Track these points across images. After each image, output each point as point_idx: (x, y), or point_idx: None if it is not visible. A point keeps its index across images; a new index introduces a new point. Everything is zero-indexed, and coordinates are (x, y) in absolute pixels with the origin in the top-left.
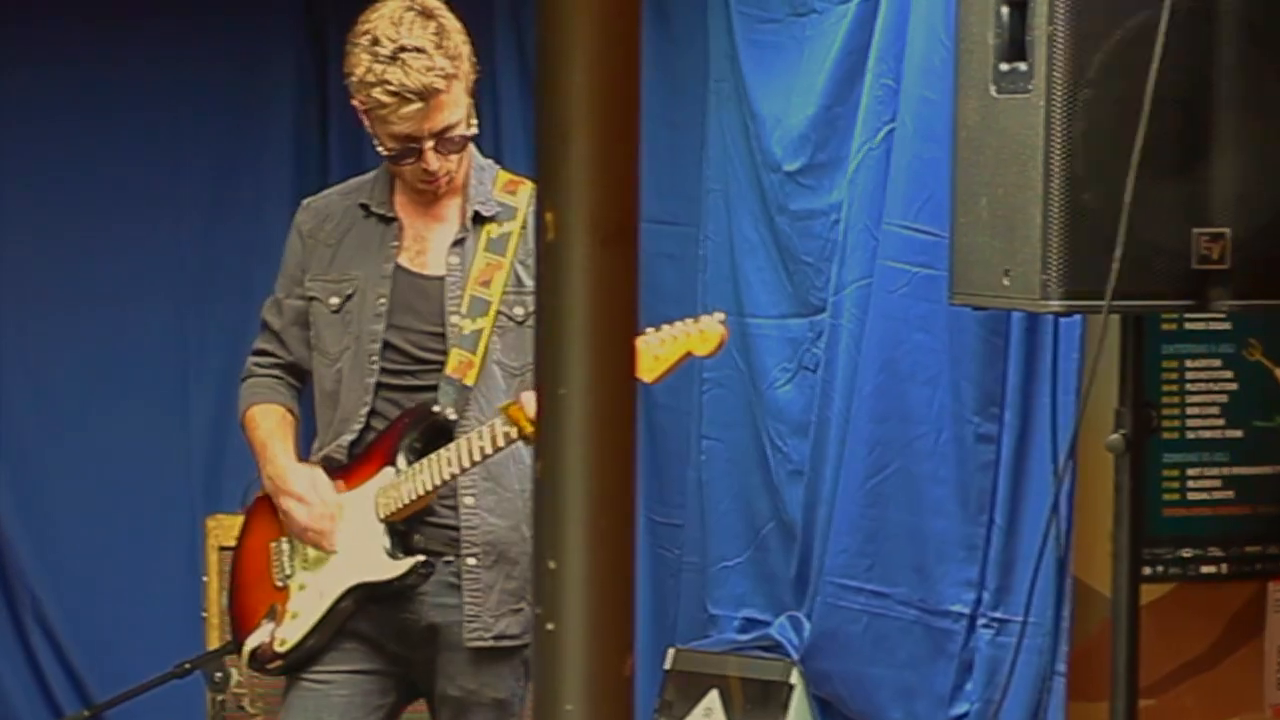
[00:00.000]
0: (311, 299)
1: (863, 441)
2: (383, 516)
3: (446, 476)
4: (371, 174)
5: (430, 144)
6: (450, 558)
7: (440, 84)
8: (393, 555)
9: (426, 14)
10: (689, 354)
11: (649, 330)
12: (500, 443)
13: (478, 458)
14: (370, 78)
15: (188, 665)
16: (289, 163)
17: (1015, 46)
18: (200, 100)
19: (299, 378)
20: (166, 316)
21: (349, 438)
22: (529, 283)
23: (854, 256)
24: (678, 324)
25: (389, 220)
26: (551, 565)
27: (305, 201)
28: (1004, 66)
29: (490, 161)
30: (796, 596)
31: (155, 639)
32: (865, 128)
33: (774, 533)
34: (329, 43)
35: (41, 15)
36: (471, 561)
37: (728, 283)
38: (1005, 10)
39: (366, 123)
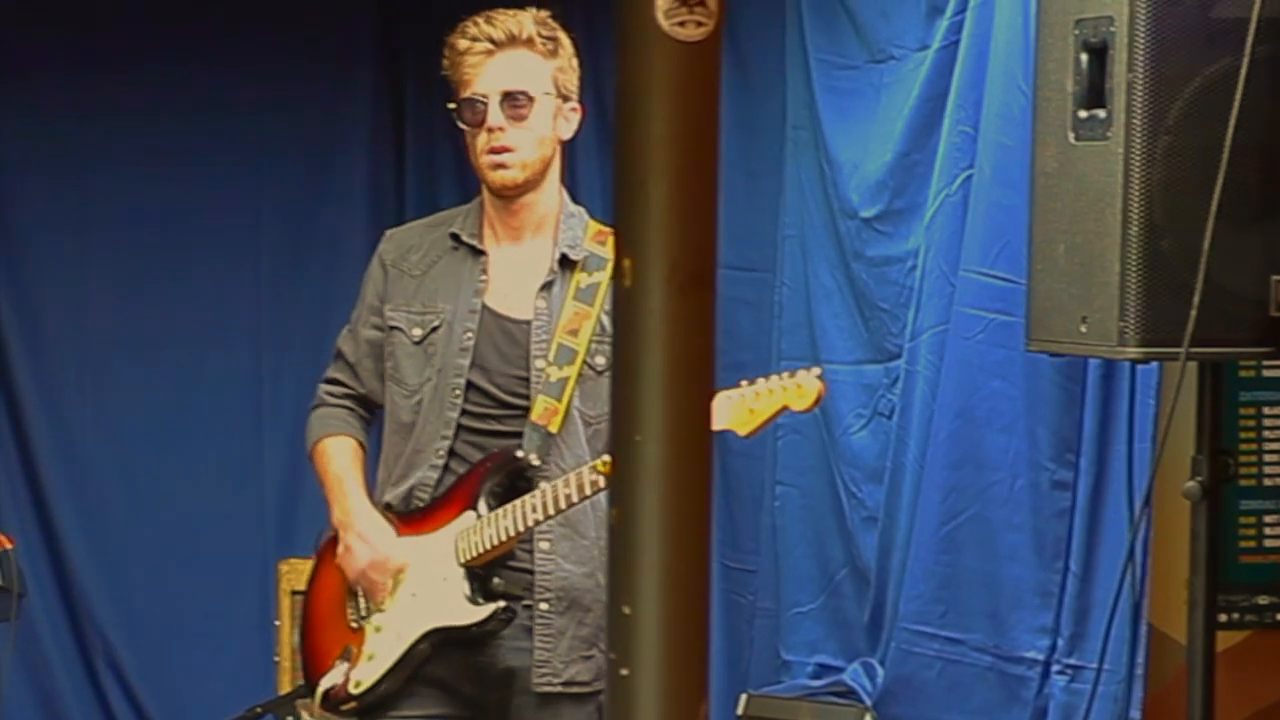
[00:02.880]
0: (393, 329)
1: (937, 488)
2: (463, 561)
3: (530, 523)
4: (461, 207)
5: (497, 98)
6: (527, 602)
7: (517, 32)
8: (473, 600)
9: (542, 13)
10: (785, 408)
11: (743, 383)
12: (587, 490)
13: (563, 505)
14: (456, 35)
15: (259, 709)
16: (365, 209)
17: (1094, 93)
18: (277, 147)
19: (369, 410)
20: (242, 362)
21: (429, 475)
22: None
23: (930, 303)
24: (773, 378)
25: (478, 253)
26: (626, 611)
27: (389, 232)
28: (1083, 113)
29: (581, 209)
30: (870, 642)
31: (227, 683)
32: (943, 174)
33: (848, 578)
34: (405, 89)
35: (125, 67)
36: (544, 607)
37: (804, 329)
38: (1084, 57)
39: (454, 108)
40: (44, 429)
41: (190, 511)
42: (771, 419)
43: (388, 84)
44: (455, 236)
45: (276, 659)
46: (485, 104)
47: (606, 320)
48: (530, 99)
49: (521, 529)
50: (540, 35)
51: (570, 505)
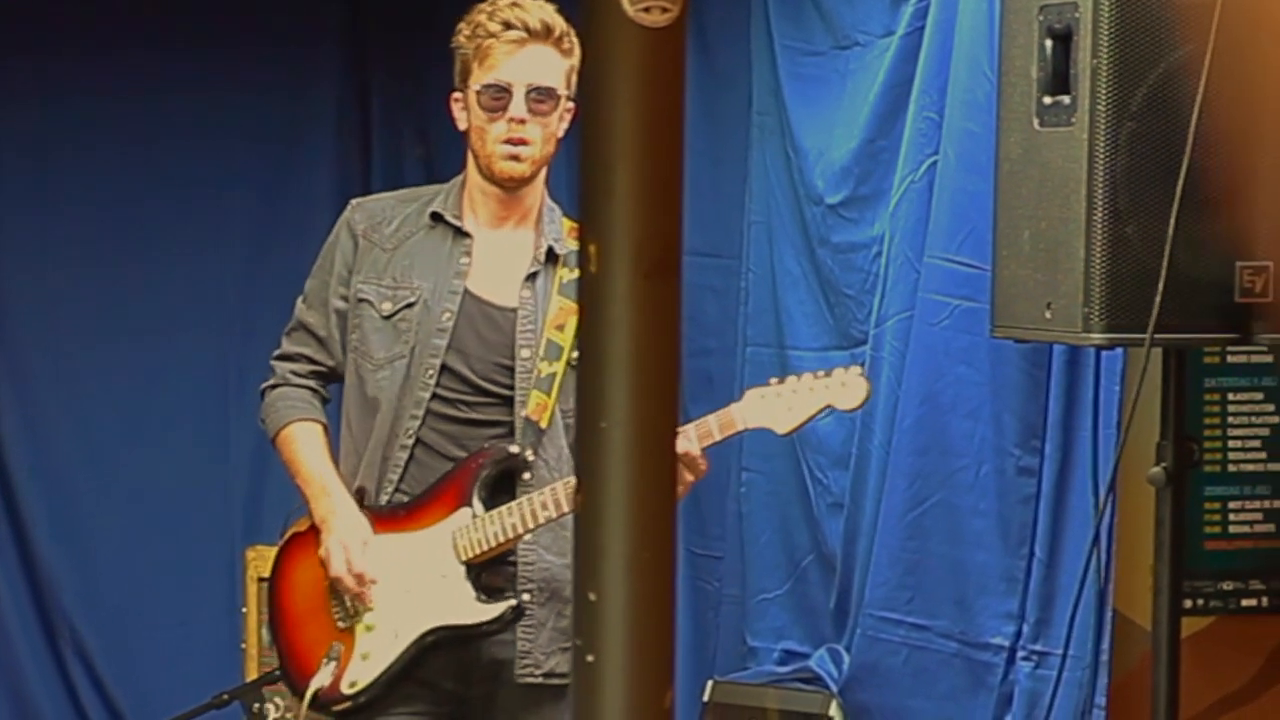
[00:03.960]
0: (361, 300)
1: (903, 474)
2: (465, 558)
3: (541, 520)
4: (436, 186)
5: (523, 90)
6: (509, 594)
7: (552, 25)
8: (479, 599)
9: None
10: (829, 408)
11: (773, 381)
12: None
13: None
14: (482, 16)
15: (226, 696)
16: (331, 191)
17: (1058, 80)
18: (243, 129)
19: (329, 385)
20: (208, 347)
21: (399, 455)
22: None
23: (896, 289)
24: (806, 376)
25: (461, 235)
26: (592, 598)
27: (356, 201)
28: (1047, 100)
29: (556, 205)
30: (836, 629)
31: (194, 670)
32: (908, 161)
33: (814, 565)
34: (370, 73)
35: (90, 49)
36: (525, 598)
37: (769, 315)
38: (1049, 44)
39: (463, 109)
40: (9, 413)
41: (157, 498)
42: (813, 418)
43: (353, 66)
44: (437, 215)
45: (243, 646)
46: (510, 93)
47: None
48: (554, 96)
49: (531, 526)
50: (565, 31)
51: None
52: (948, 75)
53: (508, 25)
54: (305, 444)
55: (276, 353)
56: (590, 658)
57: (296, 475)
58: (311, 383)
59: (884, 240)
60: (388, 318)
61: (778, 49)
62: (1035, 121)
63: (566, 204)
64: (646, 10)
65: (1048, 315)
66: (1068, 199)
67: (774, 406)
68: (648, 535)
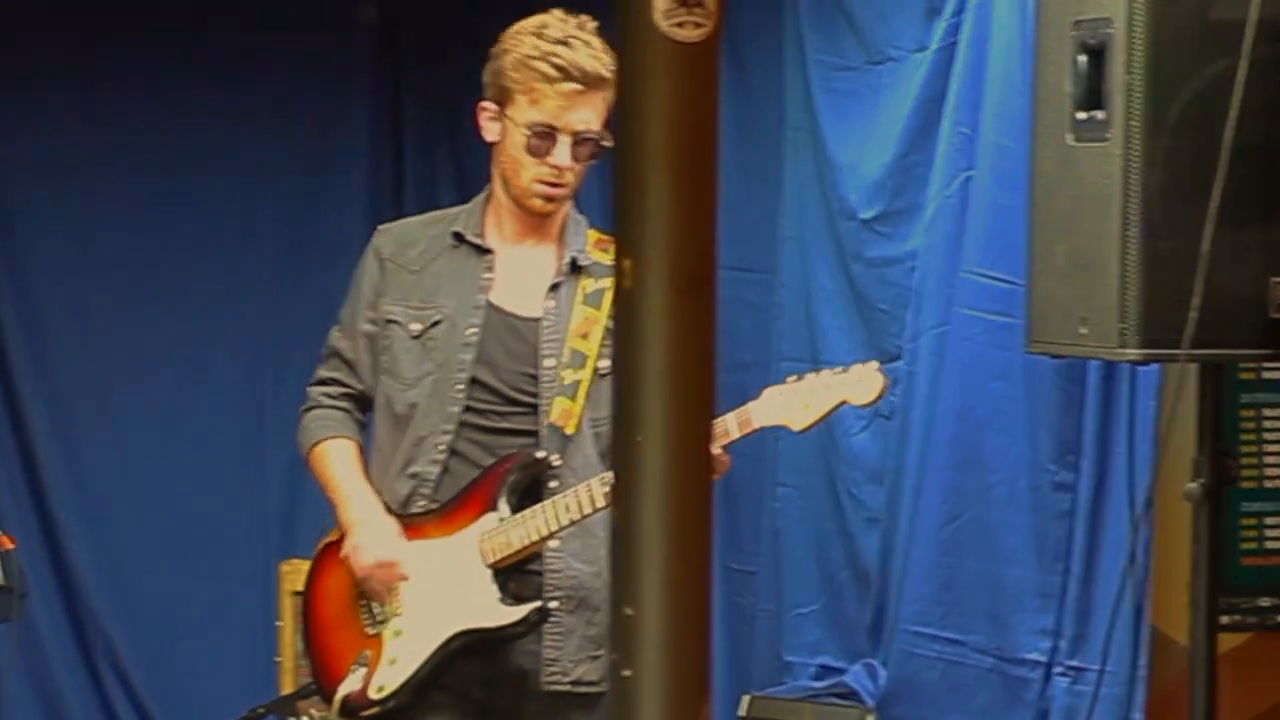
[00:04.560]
0: (390, 322)
1: (938, 489)
2: (490, 562)
3: (566, 522)
4: (460, 207)
5: (569, 139)
6: (537, 602)
7: (604, 74)
8: (504, 602)
9: (591, 24)
10: (845, 403)
11: (790, 378)
12: None
13: (600, 503)
14: (535, 53)
15: (261, 710)
16: (363, 214)
17: (1093, 95)
18: (277, 152)
19: (365, 409)
20: (244, 364)
21: (431, 470)
22: None
23: (930, 304)
24: (824, 373)
25: (483, 252)
26: (628, 612)
27: (382, 227)
28: (1081, 115)
29: (583, 217)
30: (872, 644)
31: (229, 683)
32: (942, 175)
33: (849, 580)
34: (404, 94)
35: (127, 75)
36: (553, 605)
37: (803, 329)
38: (1083, 59)
39: (495, 123)
40: (46, 431)
41: (192, 512)
42: (829, 414)
43: (387, 89)
44: (459, 235)
45: (278, 660)
46: (555, 138)
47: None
48: (597, 143)
49: (555, 528)
50: (608, 64)
51: (608, 504)
52: (981, 90)
53: (565, 74)
54: (336, 458)
55: (312, 380)
56: (627, 672)
57: (326, 487)
58: (344, 404)
59: (918, 255)
60: (416, 337)
61: (811, 64)
62: (1069, 137)
63: (599, 219)
64: (680, 25)
65: (1083, 331)
66: (1102, 214)
67: (790, 403)
68: (684, 550)
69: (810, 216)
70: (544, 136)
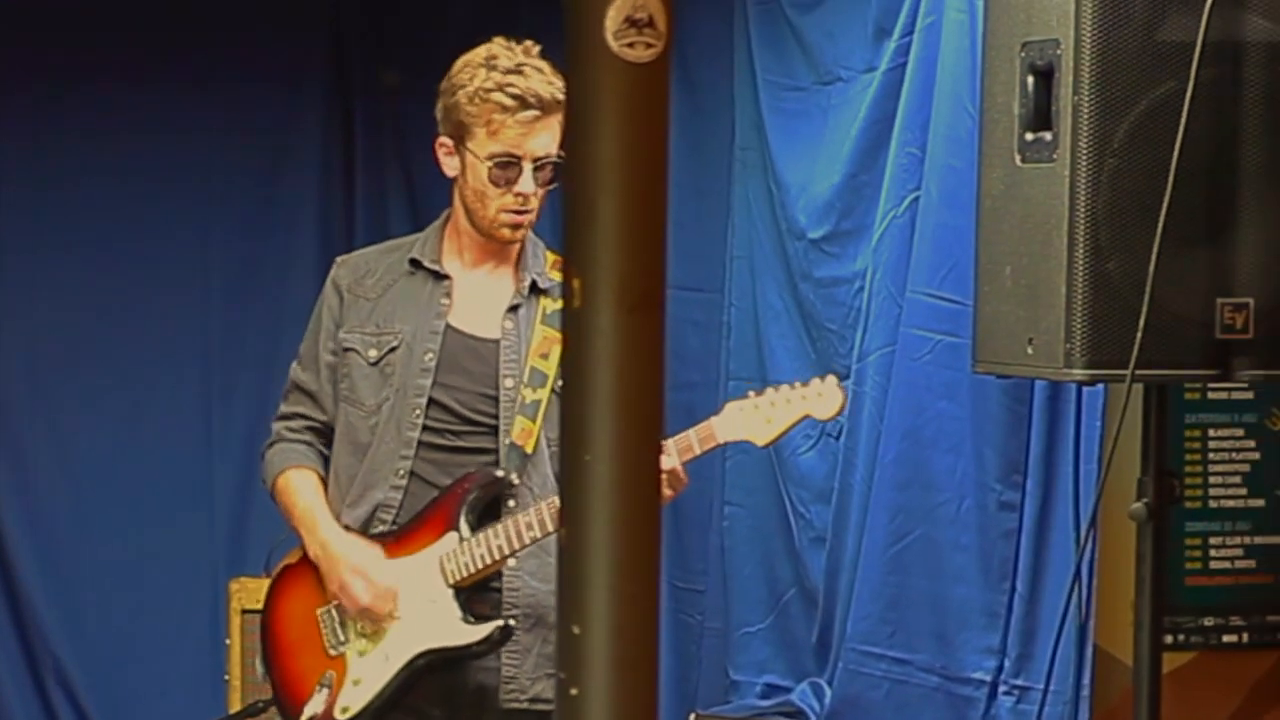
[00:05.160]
0: (347, 350)
1: (885, 508)
2: (452, 582)
3: (527, 540)
4: (417, 234)
5: (530, 165)
6: (499, 621)
7: (559, 97)
8: (466, 621)
9: (535, 48)
10: (807, 417)
11: (750, 393)
12: None
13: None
14: (490, 85)
15: None
16: (314, 232)
17: (1040, 116)
18: (227, 169)
19: (329, 441)
20: (192, 382)
21: (391, 496)
22: None
23: (878, 324)
24: (783, 388)
25: (440, 277)
26: (575, 630)
27: (341, 258)
28: (1029, 136)
29: (539, 240)
30: (818, 662)
31: (178, 702)
32: (890, 196)
33: (796, 599)
34: (355, 113)
35: (75, 88)
36: (510, 623)
37: (752, 349)
38: (1031, 80)
39: (455, 157)
40: None
41: (140, 531)
42: (791, 428)
43: (337, 107)
44: (415, 262)
45: (227, 678)
46: (519, 167)
47: None
48: (556, 166)
49: (517, 547)
50: (560, 87)
51: None
52: (930, 111)
53: (523, 102)
54: (299, 488)
55: (275, 415)
56: (574, 690)
57: (290, 516)
58: (307, 437)
59: (866, 275)
60: (374, 364)
61: (760, 84)
62: (1017, 157)
63: (550, 238)
64: (631, 46)
65: (1029, 351)
66: (1049, 235)
67: (752, 419)
68: (631, 568)
69: (759, 236)
70: (506, 166)
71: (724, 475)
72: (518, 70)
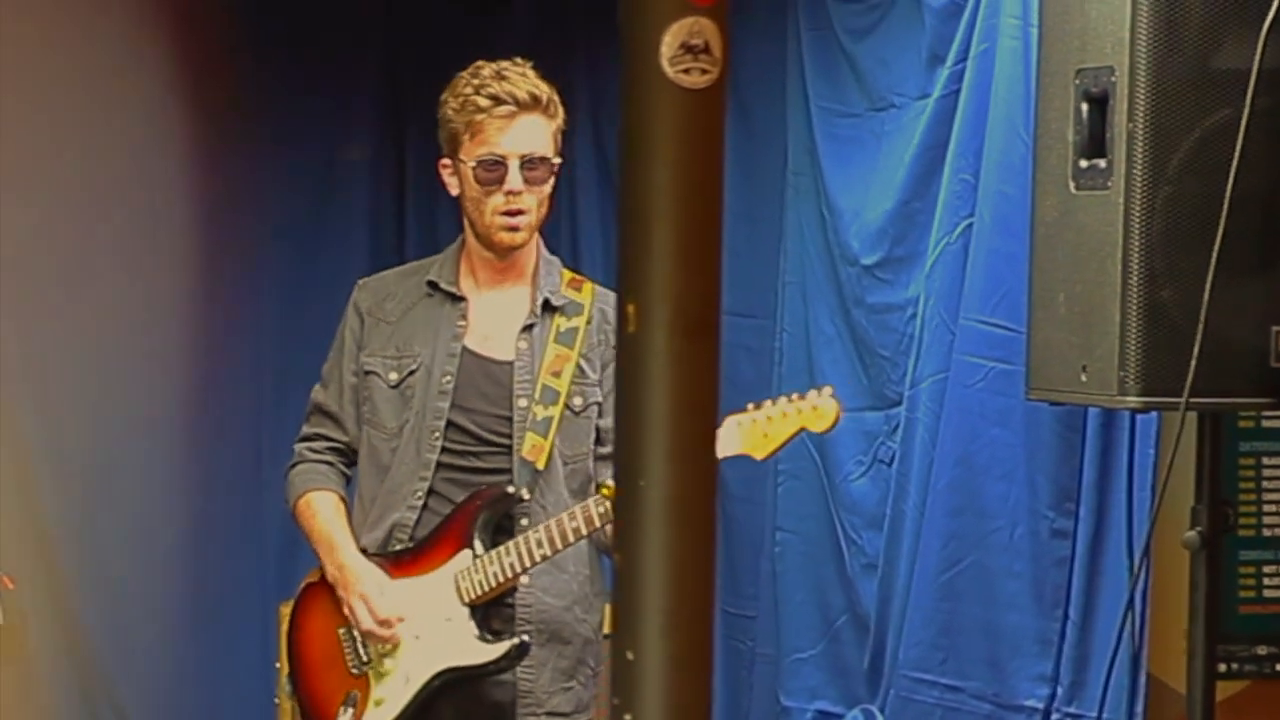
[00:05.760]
0: (369, 373)
1: (937, 535)
2: (467, 600)
3: (537, 558)
4: (435, 256)
5: (517, 162)
6: (516, 639)
7: (539, 94)
8: (483, 639)
9: (524, 61)
10: (802, 429)
11: (749, 407)
12: (596, 524)
13: (570, 539)
14: (470, 90)
15: None
16: (365, 255)
17: (1095, 143)
18: (278, 186)
19: (350, 462)
20: (243, 401)
21: (408, 516)
22: (591, 375)
23: (931, 350)
24: (781, 400)
25: (456, 299)
26: (629, 656)
27: (362, 281)
28: (1083, 163)
29: (556, 257)
30: (870, 689)
31: None
32: (943, 222)
33: (848, 625)
34: (407, 128)
35: (123, 105)
36: (526, 639)
37: (804, 375)
38: (1085, 107)
39: (453, 175)
40: (45, 471)
41: (192, 553)
42: (788, 441)
43: (389, 128)
44: (433, 284)
45: (277, 700)
46: (505, 165)
47: (584, 364)
48: (547, 163)
49: (528, 564)
50: (550, 97)
51: (578, 539)
52: (983, 138)
53: (497, 100)
54: (319, 510)
55: (297, 437)
56: (628, 716)
57: (309, 538)
58: (329, 457)
59: (919, 302)
60: (395, 387)
61: (813, 110)
62: (1071, 184)
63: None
64: (686, 72)
65: (1083, 378)
66: (1103, 262)
67: (751, 433)
68: (686, 594)
69: (811, 262)
70: (492, 166)
71: (776, 501)
72: (497, 75)
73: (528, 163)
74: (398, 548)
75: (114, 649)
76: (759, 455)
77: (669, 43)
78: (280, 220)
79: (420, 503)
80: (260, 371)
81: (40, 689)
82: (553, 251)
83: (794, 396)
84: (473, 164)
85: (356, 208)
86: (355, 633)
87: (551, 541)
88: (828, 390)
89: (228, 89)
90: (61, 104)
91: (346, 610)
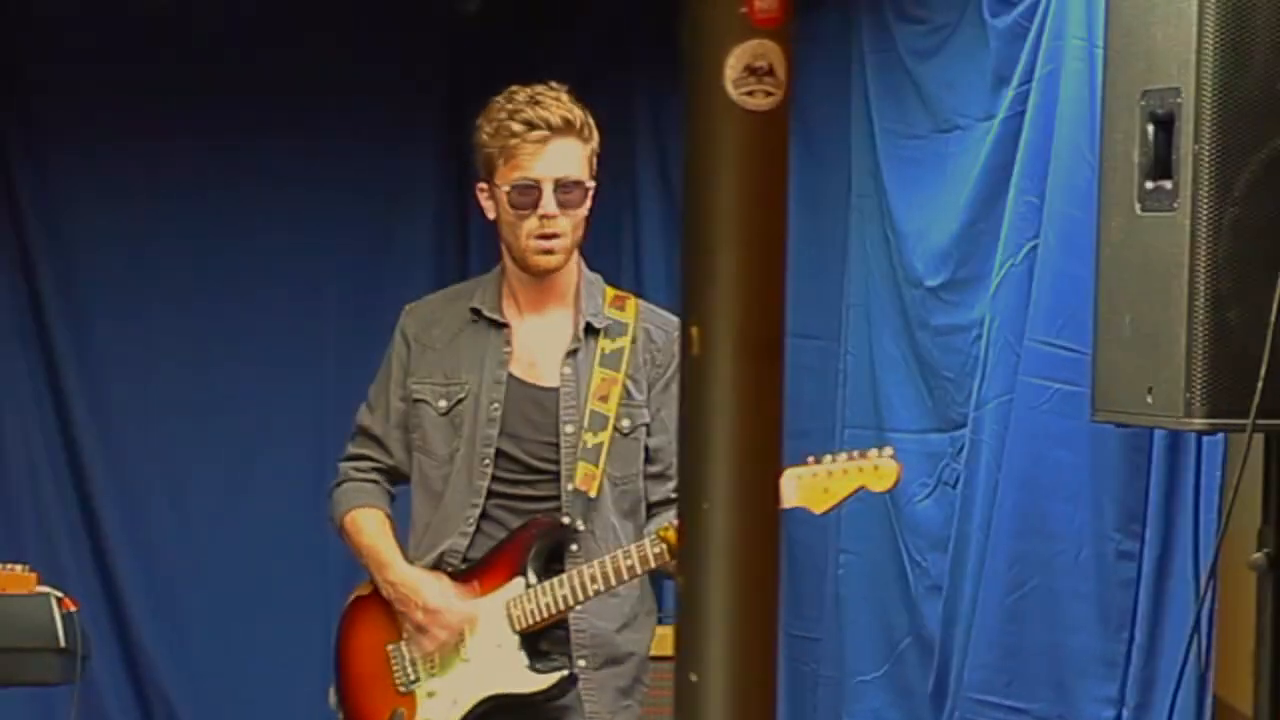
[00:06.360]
0: (417, 401)
1: (1002, 557)
2: (519, 629)
3: (590, 594)
4: (478, 279)
5: (550, 186)
6: (564, 670)
7: (572, 119)
8: (533, 668)
9: (559, 85)
10: (861, 488)
11: (810, 459)
12: (651, 564)
13: (625, 577)
14: (503, 115)
15: None
16: (428, 278)
17: (1160, 165)
18: (342, 217)
19: (394, 482)
20: (306, 428)
21: (459, 542)
22: (638, 396)
23: (996, 372)
24: (842, 456)
25: (500, 326)
26: (693, 678)
27: (409, 306)
28: (1149, 184)
29: (598, 276)
30: (934, 712)
31: None
32: (1008, 244)
33: (912, 647)
34: (468, 159)
35: (191, 139)
36: (582, 663)
37: (868, 397)
38: (1151, 128)
39: (489, 200)
40: (109, 494)
41: (254, 575)
42: (846, 499)
43: (451, 154)
44: (476, 311)
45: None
46: (539, 189)
47: (631, 385)
48: (581, 187)
49: (581, 599)
50: (584, 120)
51: (632, 577)
52: (1048, 159)
53: (530, 124)
54: (365, 526)
55: (341, 456)
56: None
57: (358, 554)
58: (374, 477)
59: (984, 323)
60: (444, 414)
61: (878, 132)
62: (1137, 206)
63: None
64: (750, 94)
65: (1149, 400)
66: (1169, 284)
67: (811, 487)
68: (749, 617)
69: (876, 284)
70: (526, 191)
71: (839, 523)
72: (531, 100)
73: (562, 186)
74: (449, 571)
75: (175, 670)
76: (817, 510)
77: (733, 65)
78: (344, 250)
79: (472, 528)
80: (323, 398)
81: (103, 712)
82: (616, 275)
83: (854, 454)
84: (507, 188)
85: (419, 238)
86: (404, 649)
87: (605, 578)
88: (889, 450)
89: (289, 117)
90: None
91: (409, 626)
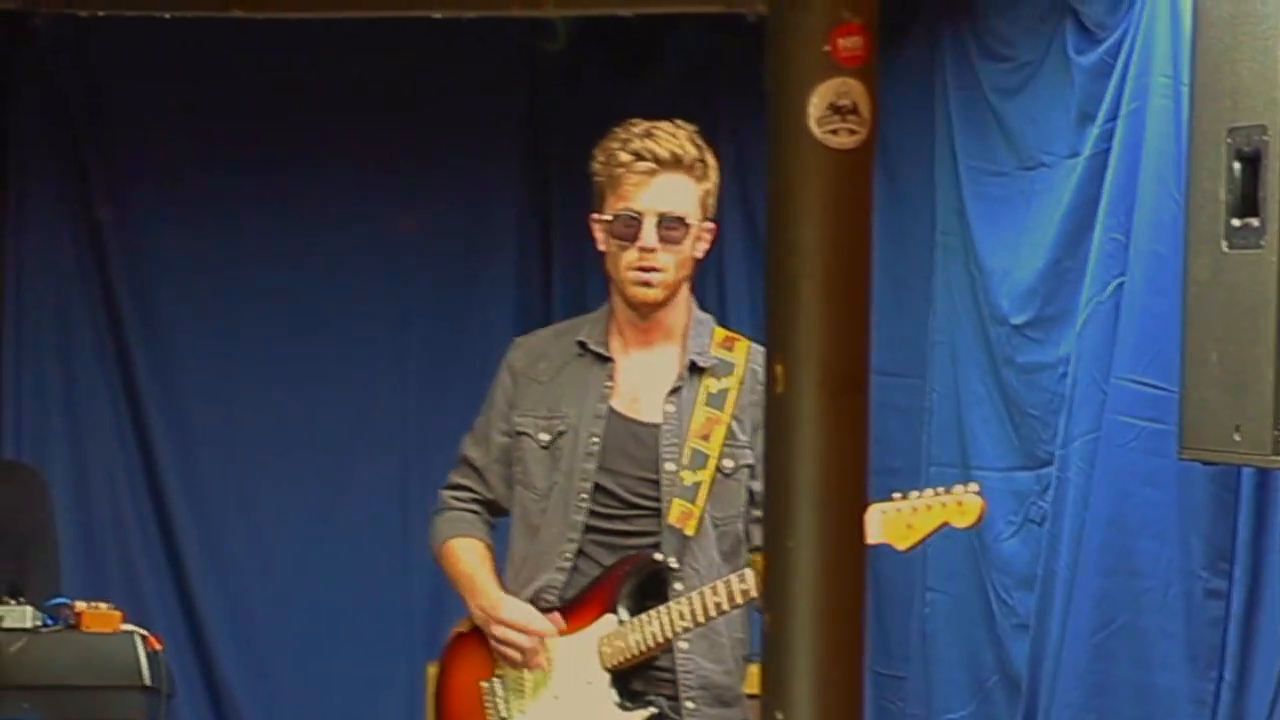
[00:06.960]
0: (520, 434)
1: (1089, 595)
2: (609, 666)
3: (679, 630)
4: (588, 315)
5: (653, 219)
6: (663, 700)
7: (681, 154)
8: (622, 706)
9: (686, 124)
10: (945, 524)
11: (895, 495)
12: (738, 600)
13: (712, 613)
14: (615, 145)
15: None
16: (512, 313)
17: (1247, 202)
18: (425, 251)
19: (494, 514)
20: (389, 463)
21: (556, 578)
22: (742, 437)
23: (1082, 410)
24: (927, 492)
25: (604, 360)
26: (779, 717)
27: (517, 340)
28: (1236, 222)
29: (709, 316)
30: None
31: None
32: (1094, 281)
33: (999, 686)
34: (551, 192)
35: (273, 171)
36: (690, 705)
37: (953, 434)
38: (1237, 166)
39: (600, 230)
40: (193, 535)
41: (338, 615)
42: (930, 535)
43: (534, 186)
44: (582, 344)
45: None
46: (640, 222)
47: (736, 426)
48: (685, 224)
49: (670, 636)
50: (696, 159)
51: (720, 614)
52: (1134, 196)
53: (638, 156)
54: (462, 555)
55: (444, 484)
56: None
57: (456, 582)
58: (474, 507)
59: (1070, 361)
60: (545, 447)
61: (962, 170)
62: (1224, 243)
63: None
64: (834, 133)
65: (1237, 438)
66: (1256, 321)
67: (895, 523)
68: (836, 655)
69: (961, 321)
70: (628, 223)
71: (926, 561)
72: (645, 133)
73: (665, 222)
74: (544, 608)
75: (259, 709)
76: (901, 546)
77: (816, 103)
78: (428, 283)
79: (569, 564)
80: (405, 433)
81: None
82: (702, 311)
83: (939, 490)
84: (610, 218)
85: (503, 271)
86: (497, 685)
87: (694, 614)
88: (974, 486)
89: (371, 152)
90: None
91: (494, 643)
